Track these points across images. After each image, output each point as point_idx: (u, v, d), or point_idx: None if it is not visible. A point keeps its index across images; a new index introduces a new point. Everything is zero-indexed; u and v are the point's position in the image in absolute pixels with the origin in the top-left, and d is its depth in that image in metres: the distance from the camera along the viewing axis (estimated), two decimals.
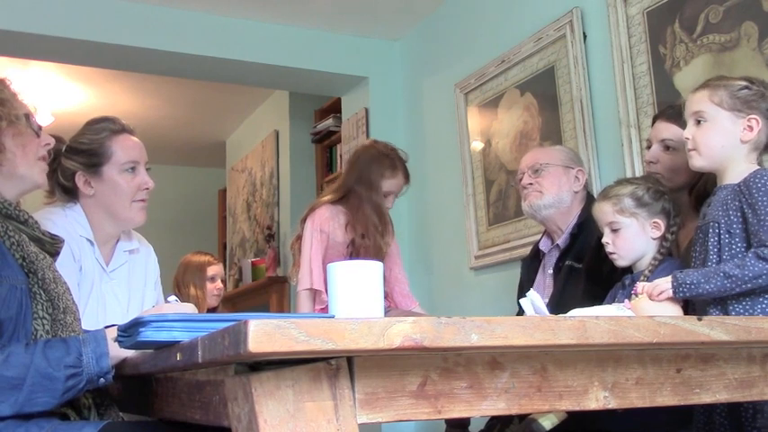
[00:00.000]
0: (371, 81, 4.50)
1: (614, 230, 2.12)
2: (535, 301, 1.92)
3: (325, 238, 2.81)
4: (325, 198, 2.98)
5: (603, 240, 2.14)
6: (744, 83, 1.84)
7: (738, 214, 1.77)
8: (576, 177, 2.58)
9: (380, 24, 4.34)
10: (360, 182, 2.92)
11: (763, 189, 1.73)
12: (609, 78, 3.02)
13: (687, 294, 1.77)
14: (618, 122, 2.94)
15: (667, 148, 2.19)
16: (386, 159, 2.95)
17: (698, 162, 1.87)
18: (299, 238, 2.89)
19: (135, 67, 4.41)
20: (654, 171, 2.23)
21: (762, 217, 1.71)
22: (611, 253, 2.12)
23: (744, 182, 1.77)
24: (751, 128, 1.81)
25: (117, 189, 2.16)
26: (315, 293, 2.79)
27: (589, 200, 2.58)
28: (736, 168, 1.82)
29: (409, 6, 4.16)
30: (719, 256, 1.79)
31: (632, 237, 2.10)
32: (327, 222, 2.83)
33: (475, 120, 3.87)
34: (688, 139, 1.86)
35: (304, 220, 2.92)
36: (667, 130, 2.17)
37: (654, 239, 2.09)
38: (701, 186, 2.11)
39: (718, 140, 1.83)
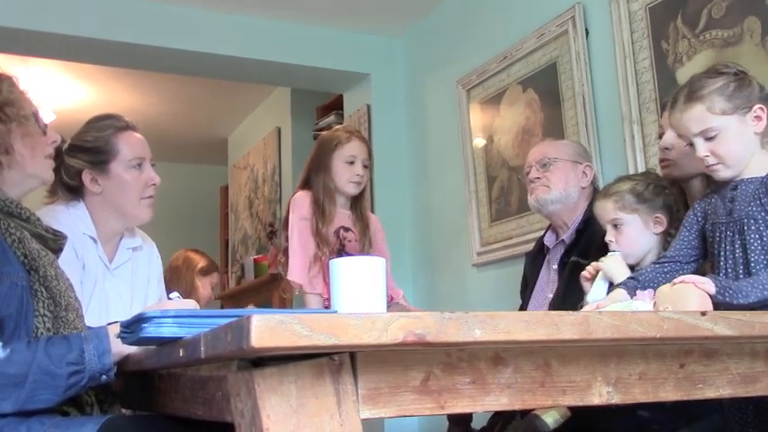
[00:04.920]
0: (373, 78, 4.50)
1: (616, 228, 2.11)
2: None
3: (307, 225, 2.79)
4: (298, 186, 2.95)
5: (607, 238, 2.13)
6: (727, 79, 1.76)
7: None
8: (584, 173, 2.57)
9: (382, 21, 4.34)
10: (317, 169, 2.88)
11: None
12: (611, 74, 3.02)
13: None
14: (620, 118, 2.93)
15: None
16: (334, 135, 2.91)
17: (726, 173, 1.78)
18: (287, 222, 2.86)
19: (137, 64, 4.40)
20: (668, 158, 2.18)
21: None
22: (614, 252, 2.11)
23: None
24: (759, 117, 1.75)
25: (125, 186, 2.17)
26: (296, 285, 2.77)
27: (596, 196, 2.58)
28: (755, 161, 1.76)
29: (411, 3, 4.16)
30: (766, 254, 1.71)
31: (635, 233, 2.09)
32: (308, 209, 2.81)
33: (477, 116, 3.87)
34: (707, 156, 1.76)
35: (288, 210, 2.89)
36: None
37: (657, 235, 2.09)
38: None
39: (740, 146, 1.75)
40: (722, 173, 1.78)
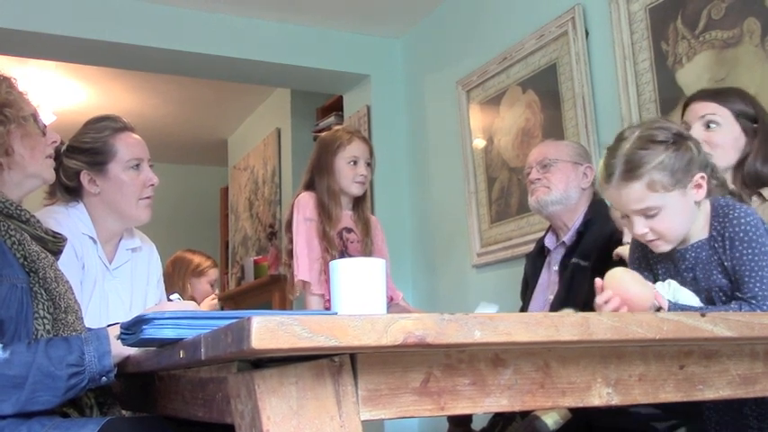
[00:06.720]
0: (373, 79, 4.50)
1: None
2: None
3: (312, 225, 2.79)
4: (301, 187, 2.95)
5: (625, 240, 2.13)
6: (666, 149, 1.61)
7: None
8: (585, 174, 2.58)
9: (382, 22, 4.34)
10: (320, 171, 2.88)
11: (745, 239, 1.60)
12: (611, 75, 3.02)
13: None
14: (620, 119, 2.93)
15: (708, 125, 2.03)
16: (336, 137, 2.90)
17: (666, 248, 1.67)
18: (290, 224, 2.86)
19: (137, 65, 4.41)
20: None
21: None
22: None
23: (726, 237, 1.63)
24: (700, 185, 1.64)
25: (123, 187, 2.17)
26: (305, 285, 2.77)
27: (596, 197, 2.58)
28: (696, 224, 1.67)
29: (411, 4, 4.16)
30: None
31: None
32: (313, 210, 2.81)
33: (477, 117, 3.87)
34: (645, 233, 1.65)
35: (291, 211, 2.89)
36: (705, 108, 2.04)
37: None
38: (750, 163, 1.98)
39: (682, 220, 1.64)
40: (662, 248, 1.67)
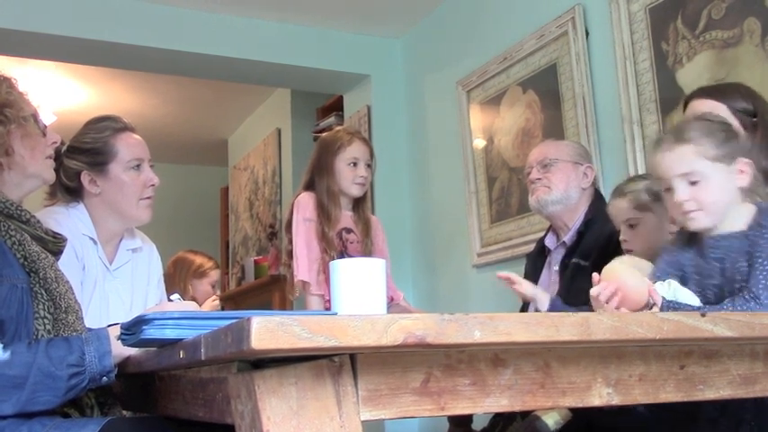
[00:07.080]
0: (373, 79, 4.50)
1: (632, 227, 2.10)
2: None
3: (311, 226, 2.80)
4: (301, 187, 2.95)
5: (621, 238, 2.12)
6: (716, 126, 1.69)
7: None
8: (585, 174, 2.58)
9: (382, 22, 4.34)
10: (320, 171, 2.88)
11: None
12: (611, 75, 3.02)
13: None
14: (620, 119, 2.94)
15: None
16: (336, 137, 2.89)
17: (704, 222, 1.67)
18: (290, 224, 2.85)
19: (137, 65, 4.41)
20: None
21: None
22: (629, 251, 2.09)
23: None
24: (743, 171, 1.67)
25: (123, 187, 2.18)
26: (304, 285, 2.77)
27: (597, 197, 2.58)
28: (733, 213, 1.68)
29: (411, 4, 4.16)
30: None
31: (650, 231, 2.07)
32: (312, 210, 2.81)
33: (477, 117, 3.87)
34: (687, 201, 1.66)
35: (291, 211, 2.89)
36: (702, 105, 2.04)
37: (672, 233, 2.07)
38: (755, 160, 1.94)
39: (723, 196, 1.66)
40: (699, 221, 1.67)
